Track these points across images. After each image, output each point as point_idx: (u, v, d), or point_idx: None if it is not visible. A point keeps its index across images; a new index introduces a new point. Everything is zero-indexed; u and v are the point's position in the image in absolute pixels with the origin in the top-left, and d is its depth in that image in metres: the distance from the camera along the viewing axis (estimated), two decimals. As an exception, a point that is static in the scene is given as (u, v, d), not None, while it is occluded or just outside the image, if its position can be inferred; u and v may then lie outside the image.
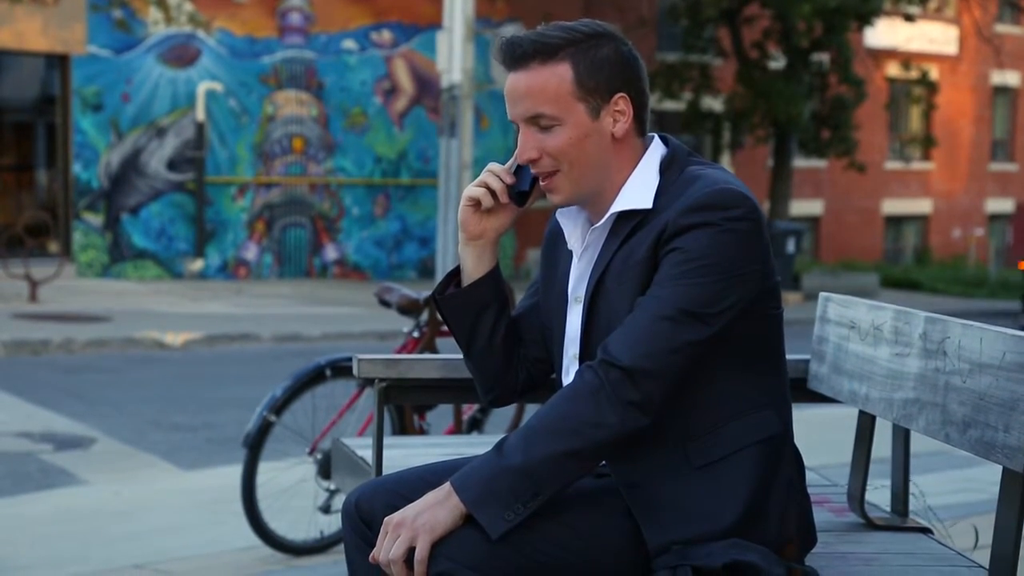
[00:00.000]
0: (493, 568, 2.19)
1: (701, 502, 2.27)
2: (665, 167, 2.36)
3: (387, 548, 2.18)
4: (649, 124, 2.42)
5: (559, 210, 2.46)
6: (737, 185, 2.28)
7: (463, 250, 2.50)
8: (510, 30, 17.49)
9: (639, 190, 2.34)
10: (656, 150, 2.39)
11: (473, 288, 2.50)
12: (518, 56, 2.32)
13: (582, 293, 2.40)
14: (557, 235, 2.52)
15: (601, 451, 2.21)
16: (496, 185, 2.44)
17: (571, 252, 2.45)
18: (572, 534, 2.26)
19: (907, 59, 23.72)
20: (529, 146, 2.34)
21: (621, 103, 2.33)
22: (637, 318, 2.23)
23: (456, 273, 2.54)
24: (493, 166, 2.46)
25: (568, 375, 2.44)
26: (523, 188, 2.44)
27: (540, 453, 2.17)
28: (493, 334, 2.52)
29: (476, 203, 2.46)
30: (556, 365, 2.49)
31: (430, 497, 2.20)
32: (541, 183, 2.38)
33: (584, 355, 2.36)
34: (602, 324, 2.33)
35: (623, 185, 2.35)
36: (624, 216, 2.34)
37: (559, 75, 2.30)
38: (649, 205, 2.31)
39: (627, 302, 2.29)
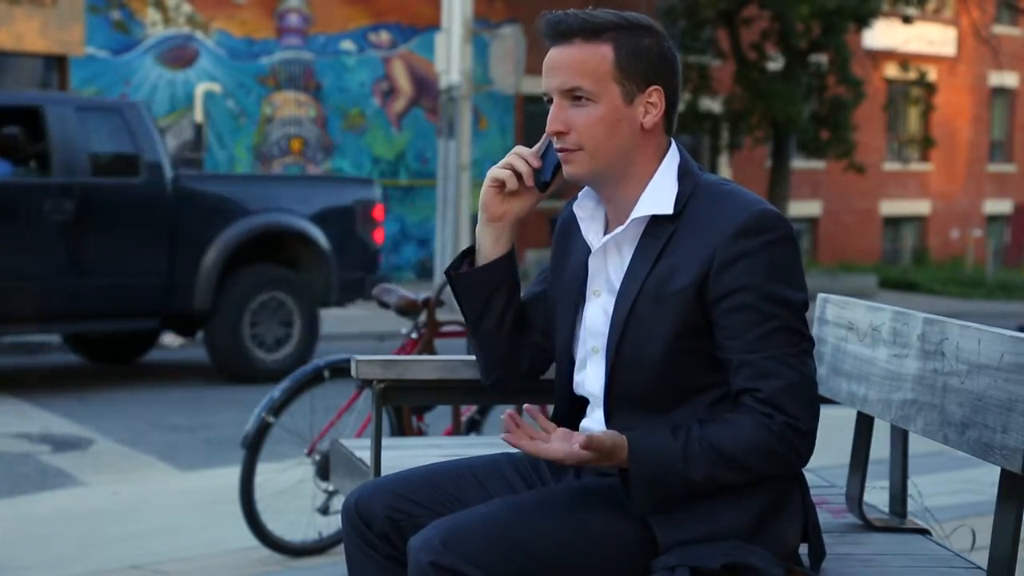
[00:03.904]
0: (497, 566, 2.20)
1: (714, 505, 2.28)
2: (682, 176, 2.37)
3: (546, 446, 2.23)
4: (675, 126, 2.43)
5: (576, 204, 2.46)
6: (768, 203, 2.32)
7: (481, 230, 2.51)
8: (508, 31, 17.50)
9: (660, 195, 2.34)
10: (674, 157, 2.40)
11: (487, 269, 2.51)
12: (563, 30, 2.34)
13: (601, 288, 2.40)
14: (571, 225, 2.51)
15: (725, 481, 2.29)
16: (523, 168, 2.44)
17: (585, 244, 2.44)
18: (575, 534, 2.27)
19: (905, 60, 23.73)
20: (559, 119, 2.35)
21: (655, 95, 2.35)
22: (791, 374, 2.26)
23: (471, 251, 2.54)
24: (520, 149, 2.47)
25: (585, 368, 2.44)
26: (546, 177, 2.44)
27: (713, 477, 2.24)
28: (503, 317, 2.53)
29: (500, 184, 2.47)
30: (561, 353, 2.49)
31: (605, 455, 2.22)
32: (560, 156, 2.37)
33: (613, 360, 2.34)
34: (633, 340, 2.32)
35: (644, 184, 2.36)
36: (650, 227, 2.34)
37: (601, 54, 2.32)
38: (670, 210, 2.32)
39: (664, 326, 2.30)
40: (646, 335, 2.31)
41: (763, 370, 2.25)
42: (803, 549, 2.42)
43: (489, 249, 2.51)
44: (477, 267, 2.52)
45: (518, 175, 2.45)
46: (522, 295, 2.59)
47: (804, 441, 2.26)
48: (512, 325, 2.54)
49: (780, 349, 2.26)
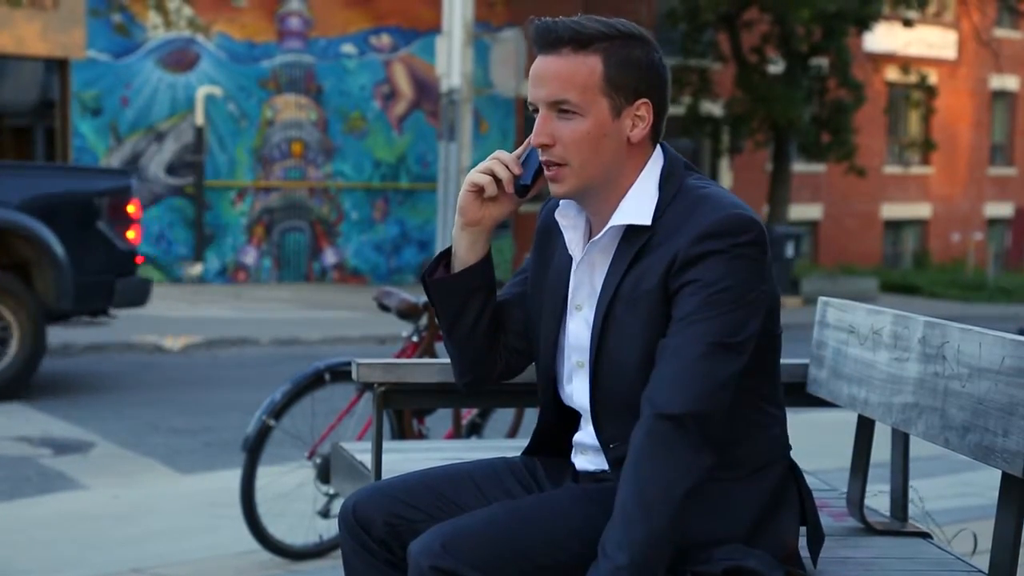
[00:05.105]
0: (497, 570, 2.20)
1: (713, 508, 2.28)
2: (664, 181, 2.34)
3: None
4: (663, 136, 2.40)
5: (558, 211, 2.44)
6: (743, 208, 2.27)
7: (458, 235, 2.48)
8: (509, 35, 17.51)
9: (639, 204, 2.32)
10: (657, 161, 2.37)
11: (464, 274, 2.48)
12: (552, 40, 2.30)
13: (583, 302, 2.39)
14: (551, 230, 2.49)
15: (684, 504, 2.15)
16: (503, 174, 2.41)
17: (567, 252, 2.43)
18: (574, 538, 2.27)
19: (906, 63, 23.74)
20: (545, 131, 2.31)
21: (643, 109, 2.32)
22: (672, 363, 2.18)
23: (446, 255, 2.52)
24: (500, 154, 2.44)
25: (572, 383, 2.43)
26: (526, 181, 2.41)
27: (640, 538, 2.11)
28: (478, 321, 2.50)
29: (479, 190, 2.44)
30: (544, 365, 2.48)
31: None
32: (546, 172, 2.34)
33: (594, 369, 2.34)
34: (612, 346, 2.32)
35: (625, 194, 2.34)
36: (627, 233, 2.33)
37: (589, 66, 2.28)
38: (648, 221, 2.30)
39: (638, 329, 2.28)
40: (623, 341, 2.30)
41: (658, 371, 2.21)
42: (802, 534, 2.42)
43: (465, 254, 2.48)
44: (453, 273, 2.49)
45: (498, 181, 2.42)
46: (499, 296, 2.56)
47: (682, 425, 2.14)
48: (487, 328, 2.52)
49: (685, 354, 2.19)
